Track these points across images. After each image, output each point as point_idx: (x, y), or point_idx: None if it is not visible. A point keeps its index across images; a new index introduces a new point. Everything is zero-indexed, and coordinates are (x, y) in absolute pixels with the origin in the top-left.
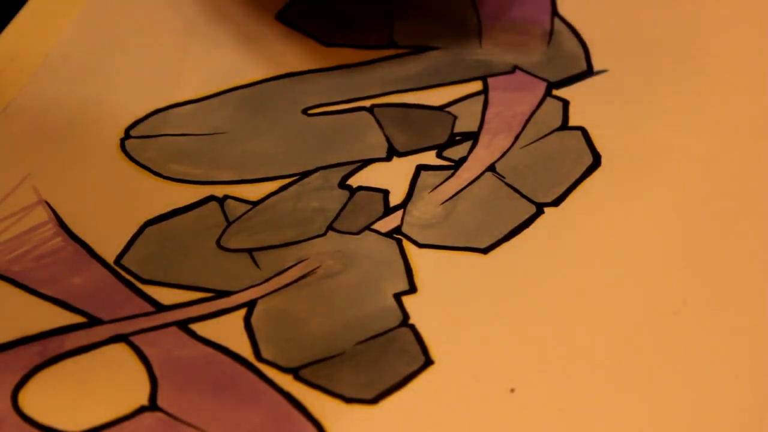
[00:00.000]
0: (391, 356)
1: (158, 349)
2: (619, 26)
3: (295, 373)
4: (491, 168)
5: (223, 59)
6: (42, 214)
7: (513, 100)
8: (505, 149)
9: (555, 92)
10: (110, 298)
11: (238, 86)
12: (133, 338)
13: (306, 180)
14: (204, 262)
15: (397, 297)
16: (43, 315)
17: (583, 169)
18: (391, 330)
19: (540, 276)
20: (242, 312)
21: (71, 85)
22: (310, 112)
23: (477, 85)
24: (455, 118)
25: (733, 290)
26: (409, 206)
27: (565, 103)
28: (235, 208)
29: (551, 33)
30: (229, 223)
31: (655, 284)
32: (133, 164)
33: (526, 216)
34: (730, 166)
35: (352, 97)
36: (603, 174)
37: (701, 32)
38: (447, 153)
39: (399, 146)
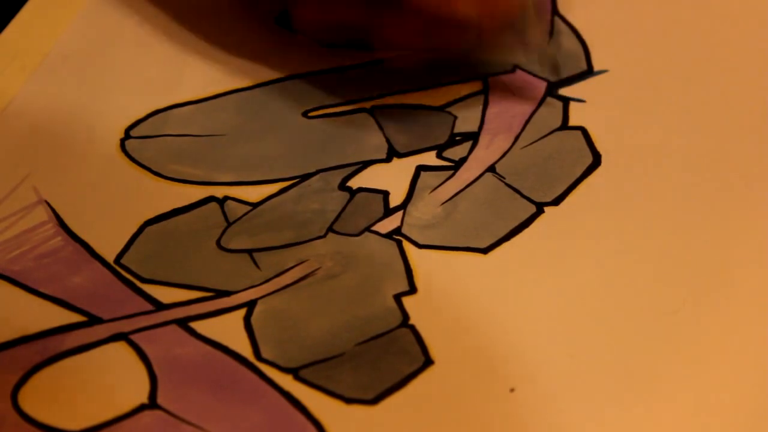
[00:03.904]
0: (391, 356)
1: (158, 346)
2: (619, 26)
3: (295, 373)
4: (491, 168)
5: (224, 61)
6: (42, 214)
7: (513, 99)
8: (505, 150)
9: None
10: (110, 297)
11: (238, 88)
12: (132, 336)
13: (306, 182)
14: (204, 262)
15: (397, 298)
16: (43, 314)
17: (583, 168)
18: (391, 330)
19: (540, 276)
20: (242, 312)
21: (71, 85)
22: (311, 114)
23: (477, 85)
24: (455, 118)
25: (733, 290)
26: (409, 207)
27: (565, 103)
28: (235, 209)
29: (551, 33)
30: (230, 224)
31: (655, 284)
32: (133, 164)
33: (527, 216)
34: (730, 166)
35: (352, 98)
36: (603, 174)
37: (701, 32)
38: (447, 153)
39: (399, 147)
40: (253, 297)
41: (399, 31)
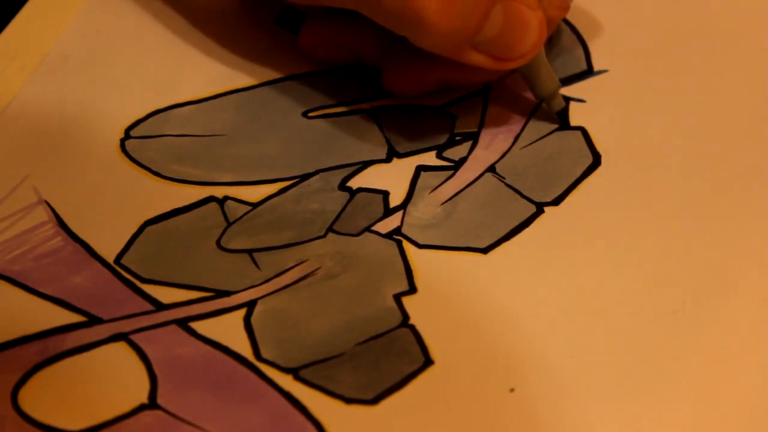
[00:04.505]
0: (391, 356)
1: (158, 347)
2: (619, 26)
3: (295, 373)
4: (491, 168)
5: (224, 61)
6: (42, 214)
7: (513, 100)
8: (505, 150)
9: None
10: (110, 298)
11: (238, 88)
12: (132, 337)
13: (306, 182)
14: (204, 262)
15: (397, 298)
16: (43, 314)
17: (583, 168)
18: (391, 330)
19: (540, 276)
20: (242, 312)
21: (71, 85)
22: (311, 114)
23: (477, 85)
24: (455, 118)
25: (733, 290)
26: (409, 207)
27: (566, 103)
28: (235, 209)
29: (551, 33)
30: (230, 224)
31: (655, 284)
32: (133, 164)
33: (526, 215)
34: (730, 166)
35: (352, 99)
36: (603, 174)
37: (701, 32)
38: (447, 153)
39: (399, 147)
40: (253, 297)
41: (407, 79)
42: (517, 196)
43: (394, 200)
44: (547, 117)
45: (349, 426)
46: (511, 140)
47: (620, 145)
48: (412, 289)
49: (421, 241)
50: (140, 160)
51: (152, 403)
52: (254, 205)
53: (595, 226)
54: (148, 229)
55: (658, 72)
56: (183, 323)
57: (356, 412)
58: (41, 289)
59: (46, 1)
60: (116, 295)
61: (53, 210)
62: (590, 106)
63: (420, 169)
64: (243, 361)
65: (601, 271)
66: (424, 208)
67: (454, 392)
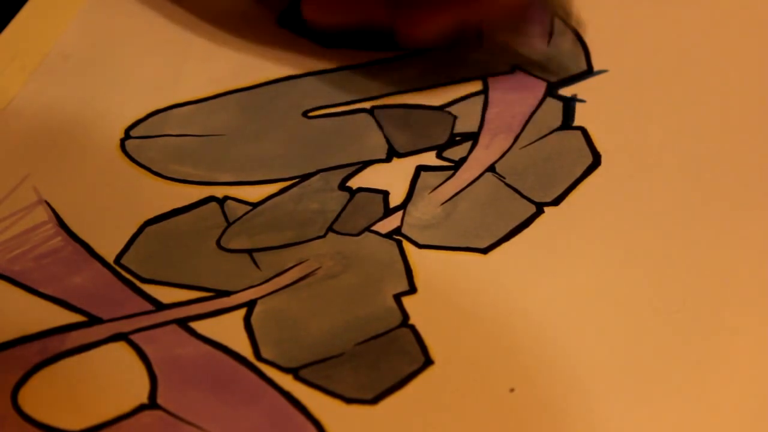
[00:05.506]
0: (391, 356)
1: (158, 346)
2: (619, 26)
3: (295, 373)
4: (491, 168)
5: (224, 61)
6: (42, 214)
7: (513, 100)
8: (504, 150)
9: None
10: (110, 298)
11: (238, 88)
12: (132, 336)
13: (306, 182)
14: (204, 262)
15: (397, 297)
16: (43, 314)
17: (583, 168)
18: (391, 330)
19: (540, 276)
20: (242, 312)
21: (71, 85)
22: (311, 114)
23: (477, 85)
24: (455, 118)
25: (733, 290)
26: (409, 207)
27: (566, 103)
28: (235, 209)
29: (551, 33)
30: (230, 224)
31: (655, 284)
32: (133, 164)
33: (526, 216)
34: (730, 166)
35: (352, 98)
36: (603, 174)
37: (701, 32)
38: (447, 153)
39: (399, 147)
40: (253, 297)
41: (424, 24)
42: (517, 196)
43: (394, 200)
44: (546, 117)
45: (349, 426)
46: (511, 140)
47: (620, 145)
48: (412, 289)
49: (421, 241)
50: (140, 160)
51: (152, 403)
52: (254, 205)
53: (595, 226)
54: (148, 229)
55: (658, 72)
56: (183, 323)
57: (356, 412)
58: (41, 289)
59: (46, 1)
60: (116, 295)
61: (53, 210)
62: (590, 106)
63: (420, 169)
64: (243, 361)
65: (600, 271)
66: (424, 208)
67: (454, 392)
